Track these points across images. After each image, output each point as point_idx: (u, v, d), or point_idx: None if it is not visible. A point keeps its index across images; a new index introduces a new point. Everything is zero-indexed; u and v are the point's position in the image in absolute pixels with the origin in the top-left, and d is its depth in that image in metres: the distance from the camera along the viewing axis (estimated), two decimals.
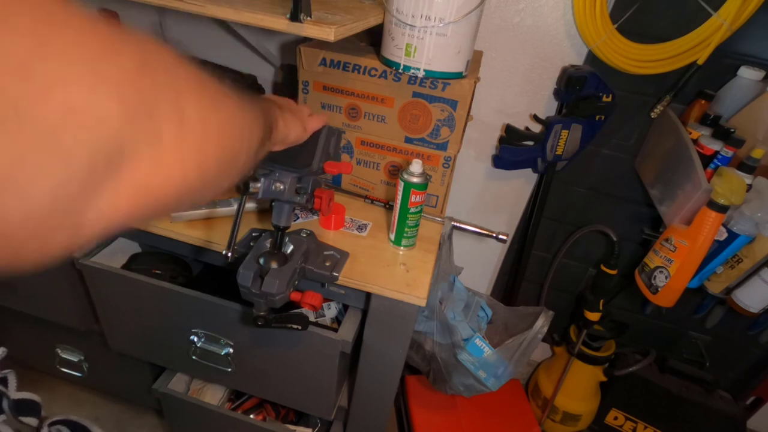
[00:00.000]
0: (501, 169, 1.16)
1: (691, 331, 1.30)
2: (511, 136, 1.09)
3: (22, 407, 0.56)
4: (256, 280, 0.61)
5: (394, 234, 0.81)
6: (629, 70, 0.97)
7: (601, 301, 1.20)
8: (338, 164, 0.62)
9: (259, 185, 0.56)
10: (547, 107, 1.10)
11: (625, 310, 1.31)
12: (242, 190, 0.56)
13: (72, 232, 0.17)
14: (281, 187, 0.58)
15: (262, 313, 0.64)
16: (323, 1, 0.78)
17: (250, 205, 0.86)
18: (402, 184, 0.75)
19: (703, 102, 0.98)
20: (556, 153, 1.05)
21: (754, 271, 0.89)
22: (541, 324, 1.00)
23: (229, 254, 0.58)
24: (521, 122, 1.13)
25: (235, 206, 0.78)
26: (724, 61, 0.94)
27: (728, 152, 0.85)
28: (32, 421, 0.57)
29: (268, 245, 0.66)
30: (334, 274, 0.72)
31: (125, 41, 0.18)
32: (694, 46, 0.90)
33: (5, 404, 0.54)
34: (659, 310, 1.00)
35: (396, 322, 0.78)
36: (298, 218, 0.87)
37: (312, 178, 0.64)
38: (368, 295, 0.78)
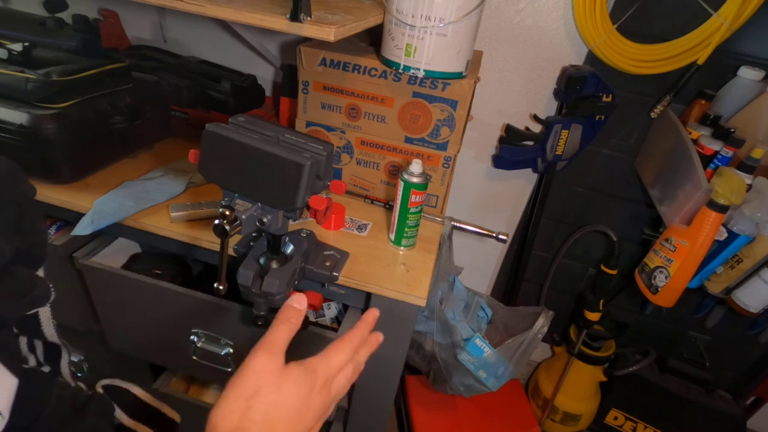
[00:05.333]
0: (501, 169, 1.16)
1: (691, 331, 1.30)
2: (511, 136, 1.09)
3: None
4: (256, 279, 0.61)
5: (394, 234, 0.81)
6: (629, 70, 0.97)
7: (601, 301, 1.20)
8: (324, 200, 0.54)
9: (239, 226, 0.52)
10: (547, 107, 1.10)
11: (625, 310, 1.31)
12: (220, 235, 0.51)
13: None
14: (265, 221, 0.54)
15: (262, 313, 0.64)
16: (323, 1, 0.78)
17: None
18: (402, 184, 0.75)
19: (703, 102, 0.98)
20: (556, 153, 1.05)
21: (754, 271, 0.89)
22: (541, 324, 1.00)
23: (221, 288, 0.57)
24: (521, 122, 1.13)
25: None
26: (724, 61, 0.94)
27: (728, 152, 0.85)
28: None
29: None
30: (334, 274, 0.72)
31: None
32: (694, 46, 0.90)
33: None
34: (659, 310, 1.00)
35: (396, 322, 0.78)
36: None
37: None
38: (368, 295, 0.78)
